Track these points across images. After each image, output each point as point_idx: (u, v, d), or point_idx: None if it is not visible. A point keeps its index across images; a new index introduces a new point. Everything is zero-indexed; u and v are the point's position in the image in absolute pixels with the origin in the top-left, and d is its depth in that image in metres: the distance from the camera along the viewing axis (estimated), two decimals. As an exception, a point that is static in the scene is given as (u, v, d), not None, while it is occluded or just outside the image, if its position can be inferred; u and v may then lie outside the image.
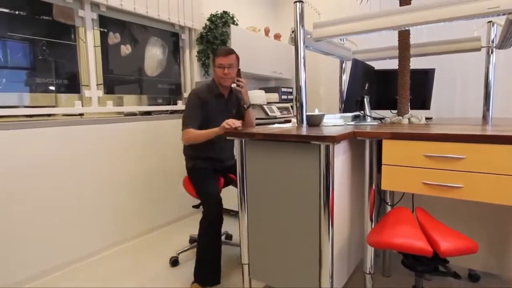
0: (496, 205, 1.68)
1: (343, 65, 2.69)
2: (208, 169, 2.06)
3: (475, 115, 2.88)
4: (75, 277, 2.04)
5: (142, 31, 2.67)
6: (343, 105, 2.68)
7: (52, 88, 2.12)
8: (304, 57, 1.76)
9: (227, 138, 1.61)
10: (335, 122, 1.86)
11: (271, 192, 1.51)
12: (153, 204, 2.73)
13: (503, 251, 1.68)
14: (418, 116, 1.87)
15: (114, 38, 2.48)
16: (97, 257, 2.31)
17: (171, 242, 2.55)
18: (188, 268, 2.12)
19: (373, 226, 1.56)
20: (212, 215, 1.84)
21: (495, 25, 2.16)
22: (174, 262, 2.18)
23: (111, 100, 2.45)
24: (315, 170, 1.35)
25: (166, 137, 2.82)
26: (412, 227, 1.21)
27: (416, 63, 2.12)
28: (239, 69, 2.07)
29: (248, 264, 1.64)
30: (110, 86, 2.46)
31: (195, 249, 2.21)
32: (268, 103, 3.31)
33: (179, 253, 2.23)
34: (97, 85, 2.35)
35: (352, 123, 1.92)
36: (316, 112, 1.80)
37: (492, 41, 2.17)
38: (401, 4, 1.87)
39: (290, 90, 3.95)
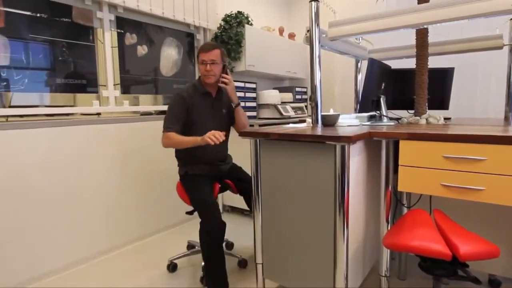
0: (518, 209, 1.62)
1: (359, 64, 2.65)
2: (201, 176, 1.93)
3: (496, 116, 2.79)
4: (68, 283, 1.97)
5: (158, 32, 2.71)
6: (358, 105, 2.64)
7: (71, 88, 2.18)
8: (319, 57, 1.74)
9: (240, 136, 1.61)
10: (350, 122, 1.84)
11: (286, 192, 1.50)
12: (162, 205, 2.76)
13: (526, 256, 1.63)
14: (436, 116, 1.83)
15: (130, 38, 2.52)
16: (93, 262, 2.23)
17: (170, 247, 2.45)
18: (186, 274, 2.05)
19: (389, 228, 1.54)
20: (211, 225, 1.70)
21: (518, 22, 2.09)
22: (173, 267, 2.10)
23: (127, 99, 2.49)
24: (330, 171, 1.34)
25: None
26: (430, 229, 1.18)
27: (434, 62, 2.08)
28: (224, 65, 1.93)
29: (262, 263, 1.64)
30: (127, 86, 2.51)
31: (193, 256, 2.23)
32: (282, 102, 3.30)
33: (177, 259, 2.14)
34: (114, 85, 2.39)
35: (368, 123, 1.89)
36: (331, 112, 1.79)
37: (515, 39, 2.10)
38: (419, 2, 1.83)
39: (304, 89, 3.93)
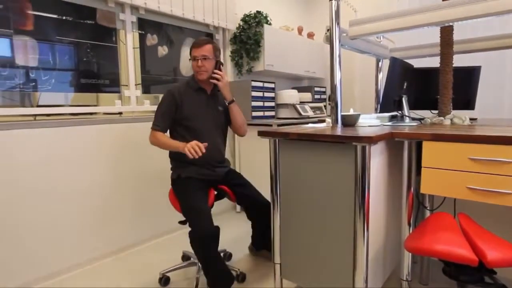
0: (549, 214, 1.55)
1: (380, 63, 2.60)
2: (195, 180, 1.81)
3: (526, 116, 2.68)
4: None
5: (178, 32, 2.75)
6: (379, 105, 2.60)
7: (94, 88, 2.24)
8: (339, 56, 1.72)
9: (259, 136, 1.61)
10: (371, 122, 1.81)
11: (304, 192, 1.49)
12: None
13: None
14: (461, 116, 1.77)
15: (151, 39, 2.57)
16: (74, 273, 2.06)
17: (163, 257, 2.25)
18: (180, 288, 1.85)
19: (410, 231, 1.50)
20: (200, 232, 1.58)
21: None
22: (165, 281, 1.90)
23: (148, 99, 2.54)
24: (350, 172, 1.32)
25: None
26: (455, 233, 1.15)
27: (458, 61, 2.01)
28: (217, 61, 1.85)
29: (280, 264, 1.63)
30: (147, 85, 2.56)
31: (188, 268, 2.04)
32: (301, 102, 3.28)
33: (170, 272, 1.95)
34: (135, 85, 2.44)
35: (389, 123, 1.85)
36: (351, 112, 1.76)
37: (547, 36, 2.01)
38: (444, -1, 1.78)
39: (323, 89, 3.89)
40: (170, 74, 2.72)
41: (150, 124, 1.72)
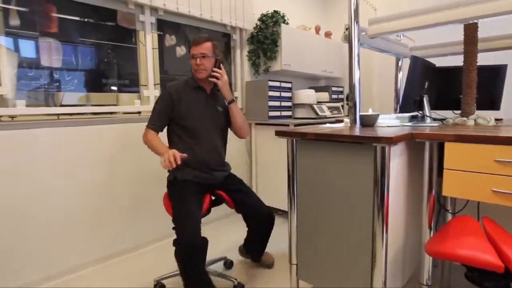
0: None
1: (400, 62, 2.55)
2: (191, 183, 1.73)
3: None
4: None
5: (195, 33, 2.77)
6: (399, 105, 2.54)
7: (114, 88, 2.29)
8: (358, 55, 1.69)
9: (277, 136, 1.60)
10: (390, 122, 1.77)
11: (322, 193, 1.48)
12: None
13: None
14: (486, 117, 1.71)
15: (170, 40, 2.60)
16: (65, 278, 2.00)
17: (159, 263, 2.15)
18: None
19: (431, 234, 1.46)
20: (185, 244, 1.48)
21: None
22: None
23: (166, 99, 2.58)
24: (369, 173, 1.30)
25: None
26: (479, 238, 1.11)
27: (483, 59, 1.94)
28: (217, 59, 1.78)
29: (297, 264, 1.62)
30: (166, 85, 2.59)
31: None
32: (318, 102, 3.25)
33: (165, 279, 1.86)
34: (154, 84, 2.49)
35: (409, 124, 1.81)
36: (370, 112, 1.73)
37: None
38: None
39: (340, 89, 3.84)
40: (188, 74, 2.75)
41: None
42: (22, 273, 1.85)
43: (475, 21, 1.51)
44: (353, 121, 1.71)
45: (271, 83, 2.91)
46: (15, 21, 1.83)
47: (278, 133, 1.59)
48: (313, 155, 1.49)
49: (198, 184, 1.75)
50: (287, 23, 3.20)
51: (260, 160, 3.13)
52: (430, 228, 1.45)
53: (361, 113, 1.70)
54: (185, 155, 1.58)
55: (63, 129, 1.98)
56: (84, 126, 2.07)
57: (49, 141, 1.93)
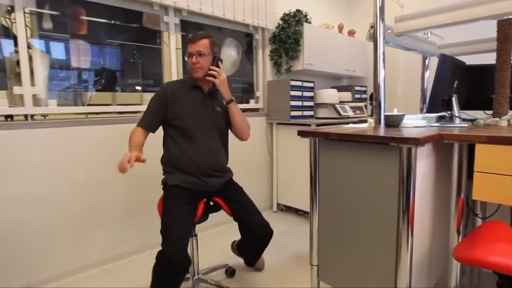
0: None
1: (427, 61, 2.46)
2: (181, 189, 1.62)
3: None
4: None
5: (217, 33, 2.80)
6: (426, 105, 2.46)
7: (139, 88, 2.35)
8: (383, 53, 1.65)
9: (299, 136, 1.59)
10: (416, 123, 1.72)
11: (345, 194, 1.45)
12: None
13: None
14: (520, 117, 1.63)
15: (193, 40, 2.64)
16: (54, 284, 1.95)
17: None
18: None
19: (460, 239, 1.41)
20: (166, 261, 1.39)
21: None
22: None
23: (189, 99, 2.62)
24: (394, 174, 1.26)
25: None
26: (512, 245, 1.05)
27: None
28: (215, 57, 1.68)
29: (318, 265, 1.61)
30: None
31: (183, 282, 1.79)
32: (340, 102, 3.20)
33: None
34: (177, 85, 2.53)
35: (437, 124, 1.75)
36: (395, 112, 1.69)
37: None
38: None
39: (364, 88, 3.77)
40: (210, 74, 2.78)
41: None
42: (25, 274, 1.85)
43: (510, 16, 1.43)
44: (378, 121, 1.67)
45: (293, 83, 2.90)
46: (48, 24, 1.91)
47: (301, 133, 1.58)
48: (336, 155, 1.47)
49: (189, 191, 1.63)
50: (310, 22, 3.17)
51: (281, 160, 3.12)
52: (458, 233, 1.40)
53: (385, 113, 1.66)
54: (143, 158, 1.42)
55: (90, 127, 2.05)
56: (110, 124, 2.14)
57: (77, 139, 2.00)
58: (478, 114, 1.91)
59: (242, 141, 1.84)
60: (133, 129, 1.62)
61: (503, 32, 1.69)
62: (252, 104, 3.10)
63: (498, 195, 1.21)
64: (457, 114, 1.78)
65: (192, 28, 2.61)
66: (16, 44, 1.79)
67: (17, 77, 1.82)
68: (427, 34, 2.35)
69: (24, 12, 1.81)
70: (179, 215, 1.52)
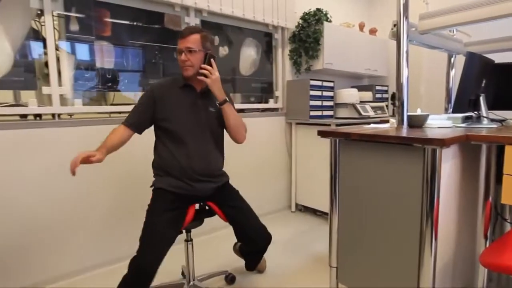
0: None
1: (452, 59, 2.38)
2: (165, 192, 1.54)
3: None
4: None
5: (237, 33, 2.81)
6: (451, 105, 2.38)
7: (161, 88, 2.39)
8: (407, 52, 1.61)
9: (319, 136, 1.57)
10: (441, 123, 1.66)
11: (366, 196, 1.43)
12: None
13: None
14: (554, 118, 1.55)
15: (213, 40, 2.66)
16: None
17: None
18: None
19: (487, 245, 1.35)
20: (143, 262, 1.35)
21: None
22: None
23: (209, 98, 2.64)
24: (417, 176, 1.23)
25: (260, 134, 2.92)
26: (545, 252, 1.00)
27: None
28: (207, 53, 1.54)
29: (337, 267, 1.59)
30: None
31: (179, 284, 1.80)
32: (361, 102, 3.14)
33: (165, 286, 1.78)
34: (197, 85, 2.56)
35: (463, 125, 1.69)
36: (419, 112, 1.64)
37: None
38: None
39: (385, 88, 3.69)
40: (230, 73, 2.80)
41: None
42: (31, 273, 1.86)
43: (544, 12, 1.37)
44: (400, 122, 1.63)
45: (312, 82, 2.87)
46: (74, 27, 1.98)
47: (321, 133, 1.56)
48: (357, 156, 1.44)
49: (175, 195, 1.55)
50: (330, 21, 3.13)
51: (300, 160, 3.10)
52: (485, 237, 1.35)
53: (409, 113, 1.62)
54: (92, 159, 1.34)
55: (114, 126, 2.09)
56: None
57: (102, 137, 2.05)
58: (508, 114, 1.83)
59: (238, 143, 1.72)
60: (115, 128, 1.55)
61: (536, 29, 1.61)
62: (271, 104, 3.09)
63: (529, 200, 1.16)
64: (485, 114, 1.72)
65: (212, 28, 2.64)
66: (45, 46, 1.86)
67: (45, 78, 1.89)
68: (453, 32, 2.27)
69: (53, 15, 1.88)
70: (159, 221, 1.45)
